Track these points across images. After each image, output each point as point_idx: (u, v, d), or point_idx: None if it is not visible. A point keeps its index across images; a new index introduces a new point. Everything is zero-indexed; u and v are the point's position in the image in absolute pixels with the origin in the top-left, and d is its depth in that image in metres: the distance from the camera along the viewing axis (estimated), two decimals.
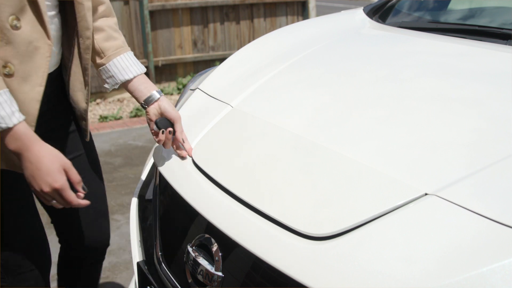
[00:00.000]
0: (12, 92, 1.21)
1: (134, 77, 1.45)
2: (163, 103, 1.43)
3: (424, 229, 0.91)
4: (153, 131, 1.43)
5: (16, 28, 1.20)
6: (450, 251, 0.85)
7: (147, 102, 1.43)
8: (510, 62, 1.38)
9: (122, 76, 1.44)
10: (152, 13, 6.10)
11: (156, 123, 1.41)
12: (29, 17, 1.22)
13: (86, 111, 1.49)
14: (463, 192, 0.94)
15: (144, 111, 5.43)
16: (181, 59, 6.40)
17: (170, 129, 1.40)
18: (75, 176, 1.26)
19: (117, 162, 4.15)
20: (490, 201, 0.91)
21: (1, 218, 1.38)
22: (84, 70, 1.42)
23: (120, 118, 5.43)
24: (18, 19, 1.20)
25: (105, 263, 2.73)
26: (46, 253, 1.52)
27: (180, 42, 6.40)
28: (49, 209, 1.59)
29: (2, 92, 1.16)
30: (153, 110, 1.43)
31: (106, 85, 1.48)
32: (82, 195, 1.28)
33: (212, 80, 1.73)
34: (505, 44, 1.49)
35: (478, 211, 0.89)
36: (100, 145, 4.55)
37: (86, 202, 1.29)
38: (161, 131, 1.39)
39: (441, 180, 0.98)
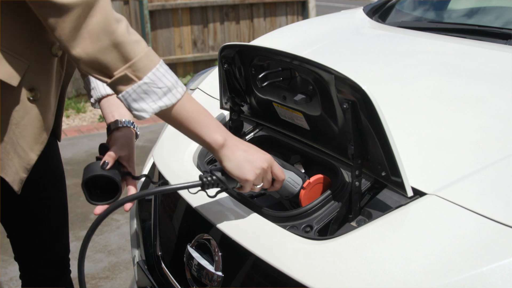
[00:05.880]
0: (35, 116, 1.17)
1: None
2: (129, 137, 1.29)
3: (424, 229, 0.91)
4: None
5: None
6: (450, 251, 0.85)
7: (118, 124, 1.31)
8: (510, 61, 1.38)
9: (104, 90, 1.33)
10: (152, 12, 6.10)
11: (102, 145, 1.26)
12: None
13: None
14: (463, 192, 0.94)
15: None
16: (181, 59, 6.40)
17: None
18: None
19: None
20: (490, 201, 0.91)
21: None
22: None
23: None
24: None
25: (105, 263, 2.73)
26: None
27: (180, 42, 6.40)
28: (8, 223, 1.49)
29: (161, 62, 1.07)
30: (119, 134, 1.29)
31: (91, 100, 1.37)
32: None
33: (212, 80, 1.72)
34: (505, 44, 1.49)
35: (478, 211, 0.89)
36: None
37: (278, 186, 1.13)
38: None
39: (441, 180, 0.98)
